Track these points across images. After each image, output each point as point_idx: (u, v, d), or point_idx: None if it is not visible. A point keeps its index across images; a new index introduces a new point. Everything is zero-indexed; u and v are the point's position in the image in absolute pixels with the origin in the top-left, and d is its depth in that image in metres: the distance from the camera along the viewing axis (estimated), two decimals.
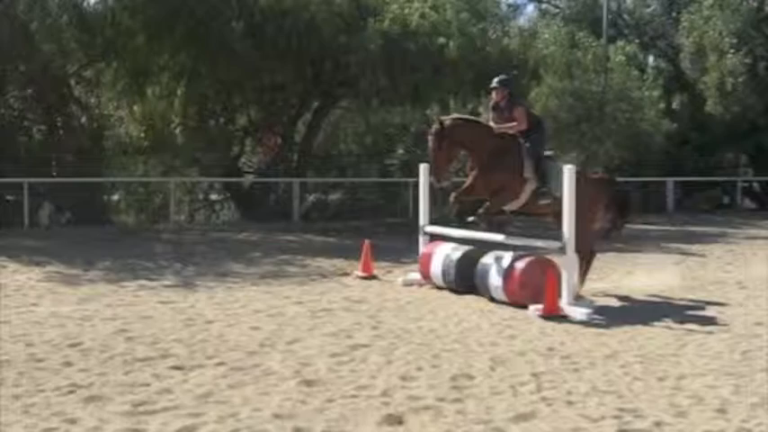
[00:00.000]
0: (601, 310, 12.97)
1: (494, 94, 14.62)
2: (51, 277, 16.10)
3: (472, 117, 16.17)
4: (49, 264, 17.61)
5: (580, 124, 35.52)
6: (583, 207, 13.40)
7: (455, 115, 15.10)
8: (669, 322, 12.38)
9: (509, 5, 43.42)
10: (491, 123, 14.50)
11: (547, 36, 35.39)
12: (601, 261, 17.99)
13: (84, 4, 24.80)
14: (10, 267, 17.13)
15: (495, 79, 14.59)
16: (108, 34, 24.10)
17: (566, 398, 8.32)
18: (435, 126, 13.82)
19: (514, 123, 14.07)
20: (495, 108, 14.59)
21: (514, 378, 9.01)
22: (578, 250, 13.54)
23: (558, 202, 13.36)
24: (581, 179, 13.43)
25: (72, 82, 27.33)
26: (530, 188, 14.08)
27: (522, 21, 43.87)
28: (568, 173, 12.82)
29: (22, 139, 26.84)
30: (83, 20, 23.93)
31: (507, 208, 14.59)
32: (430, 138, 13.87)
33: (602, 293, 14.72)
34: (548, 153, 14.60)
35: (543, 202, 14.12)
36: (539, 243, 14.08)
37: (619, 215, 15.41)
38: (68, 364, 9.39)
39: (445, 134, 13.68)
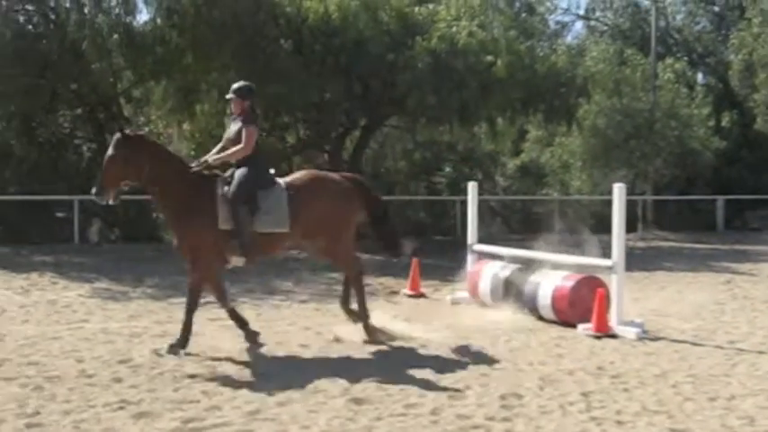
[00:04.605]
0: (650, 330, 12.86)
1: (232, 106, 12.09)
2: (101, 294, 16.23)
3: (164, 146, 12.91)
4: (99, 280, 17.75)
5: (629, 142, 35.44)
6: (337, 218, 11.86)
7: (147, 136, 12.32)
8: (720, 342, 12.27)
9: (557, 23, 43.45)
10: (223, 145, 11.86)
11: (595, 53, 35.32)
12: (649, 280, 17.92)
13: (134, 23, 25.02)
14: (60, 284, 17.28)
15: (234, 86, 12.11)
16: (157, 53, 24.29)
17: (615, 418, 8.27)
18: (118, 136, 11.16)
19: (238, 147, 11.50)
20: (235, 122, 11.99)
21: (563, 397, 8.97)
22: (347, 266, 12.24)
23: (294, 230, 11.51)
24: (329, 186, 12.00)
25: (122, 101, 27.56)
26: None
27: (570, 38, 43.94)
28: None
29: (72, 157, 27.11)
30: (132, 39, 24.15)
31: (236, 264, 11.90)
32: (110, 146, 11.18)
33: (653, 312, 14.58)
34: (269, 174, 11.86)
35: (282, 245, 12.01)
36: (588, 261, 13.97)
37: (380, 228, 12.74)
38: (118, 380, 9.45)
39: (128, 150, 11.06)
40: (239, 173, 11.34)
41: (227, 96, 12.03)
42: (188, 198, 11.14)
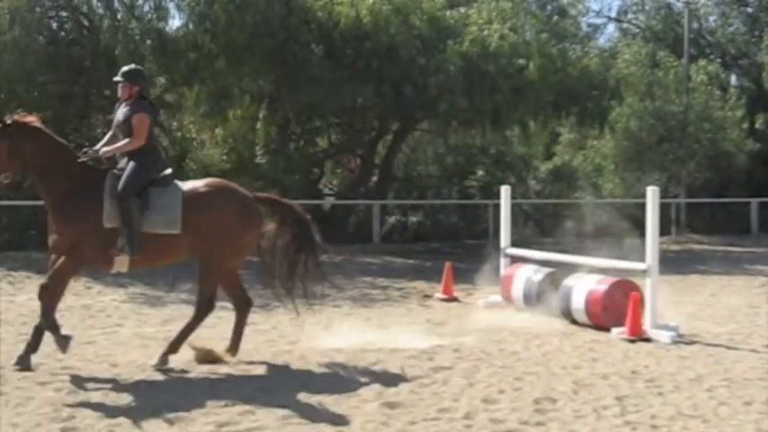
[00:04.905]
0: (685, 333, 12.78)
1: (119, 91, 10.93)
2: (135, 298, 16.30)
3: (51, 134, 10.90)
4: (133, 285, 17.79)
5: (662, 145, 35.29)
6: (225, 236, 10.71)
7: (36, 122, 10.70)
8: (755, 345, 12.21)
9: (589, 25, 43.26)
10: (113, 134, 11.00)
11: (627, 56, 35.20)
12: (683, 283, 17.82)
13: (167, 29, 25.13)
14: (95, 288, 17.34)
15: (122, 69, 11.06)
16: (190, 58, 24.39)
17: (650, 422, 8.23)
18: None
19: (129, 139, 10.59)
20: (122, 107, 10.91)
21: (598, 402, 8.93)
22: (206, 290, 10.98)
23: (184, 236, 10.50)
24: (231, 199, 10.93)
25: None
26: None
27: (602, 40, 43.75)
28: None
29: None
30: (165, 45, 24.23)
31: (119, 269, 10.73)
32: None
33: (687, 316, 14.48)
34: (166, 173, 10.85)
35: (172, 249, 10.79)
36: (622, 265, 13.89)
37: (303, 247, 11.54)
38: (153, 384, 9.48)
39: (9, 140, 10.21)
40: (130, 165, 10.47)
41: (115, 79, 11.00)
42: (72, 191, 10.26)
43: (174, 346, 10.60)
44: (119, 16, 24.64)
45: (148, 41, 24.35)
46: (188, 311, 14.43)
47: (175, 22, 27.49)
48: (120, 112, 10.76)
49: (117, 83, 10.90)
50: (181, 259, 11.24)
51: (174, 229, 10.37)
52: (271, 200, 11.86)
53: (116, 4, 24.81)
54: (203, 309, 10.85)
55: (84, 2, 25.29)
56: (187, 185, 10.78)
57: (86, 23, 25.32)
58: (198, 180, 11.17)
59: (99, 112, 26.84)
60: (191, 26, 24.73)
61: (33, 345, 10.32)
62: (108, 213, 10.18)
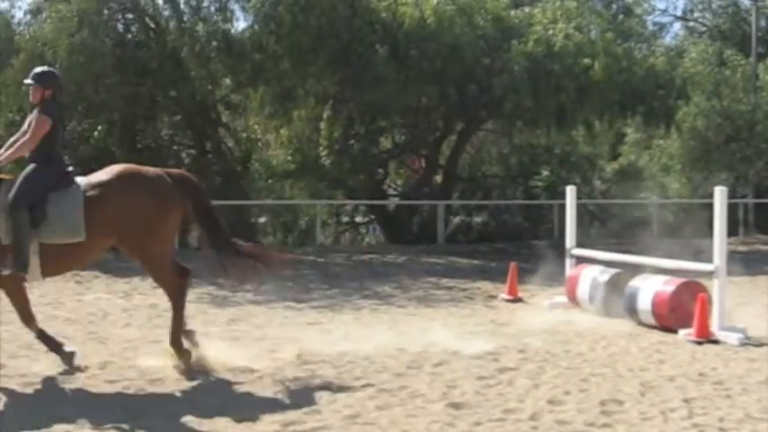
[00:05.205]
0: (753, 335, 12.62)
1: (30, 95, 10.20)
2: (201, 298, 16.38)
3: None
4: (198, 285, 17.84)
5: (729, 144, 34.91)
6: (144, 223, 9.97)
7: None
8: None
9: (655, 24, 42.91)
10: (16, 138, 10.16)
11: (694, 55, 34.91)
12: (752, 284, 17.58)
13: (232, 30, 25.30)
14: (161, 288, 17.45)
15: (35, 70, 10.30)
16: (255, 59, 24.54)
17: (718, 425, 8.14)
18: None
19: (23, 140, 9.88)
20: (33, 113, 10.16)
21: (665, 404, 8.85)
22: (161, 281, 10.75)
23: (91, 243, 9.81)
24: (137, 183, 10.09)
25: (220, 107, 27.87)
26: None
27: (668, 39, 43.36)
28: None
29: (171, 163, 27.50)
30: (230, 46, 24.42)
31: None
32: None
33: (756, 317, 14.28)
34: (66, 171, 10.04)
35: (81, 256, 10.19)
36: (689, 266, 13.74)
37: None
38: (219, 383, 9.55)
39: None
40: (24, 173, 9.68)
41: (26, 81, 10.28)
42: None
43: (176, 346, 10.24)
44: (185, 18, 24.94)
45: (214, 43, 24.58)
46: (255, 311, 14.60)
47: (241, 24, 27.74)
48: (30, 118, 10.08)
49: (28, 86, 10.21)
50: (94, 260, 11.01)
51: (78, 236, 9.60)
52: (182, 177, 10.72)
53: (182, 7, 25.12)
54: (177, 297, 10.48)
55: (150, 4, 25.60)
56: (88, 181, 9.90)
57: (152, 26, 25.62)
58: (100, 172, 10.12)
59: (165, 113, 27.12)
60: (256, 28, 24.91)
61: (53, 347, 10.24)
62: (3, 228, 9.45)
